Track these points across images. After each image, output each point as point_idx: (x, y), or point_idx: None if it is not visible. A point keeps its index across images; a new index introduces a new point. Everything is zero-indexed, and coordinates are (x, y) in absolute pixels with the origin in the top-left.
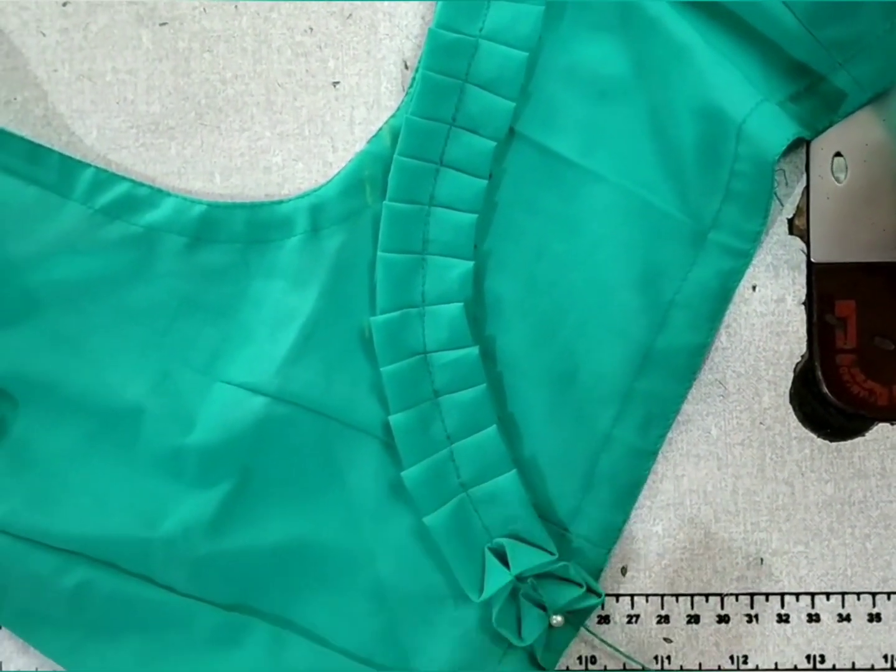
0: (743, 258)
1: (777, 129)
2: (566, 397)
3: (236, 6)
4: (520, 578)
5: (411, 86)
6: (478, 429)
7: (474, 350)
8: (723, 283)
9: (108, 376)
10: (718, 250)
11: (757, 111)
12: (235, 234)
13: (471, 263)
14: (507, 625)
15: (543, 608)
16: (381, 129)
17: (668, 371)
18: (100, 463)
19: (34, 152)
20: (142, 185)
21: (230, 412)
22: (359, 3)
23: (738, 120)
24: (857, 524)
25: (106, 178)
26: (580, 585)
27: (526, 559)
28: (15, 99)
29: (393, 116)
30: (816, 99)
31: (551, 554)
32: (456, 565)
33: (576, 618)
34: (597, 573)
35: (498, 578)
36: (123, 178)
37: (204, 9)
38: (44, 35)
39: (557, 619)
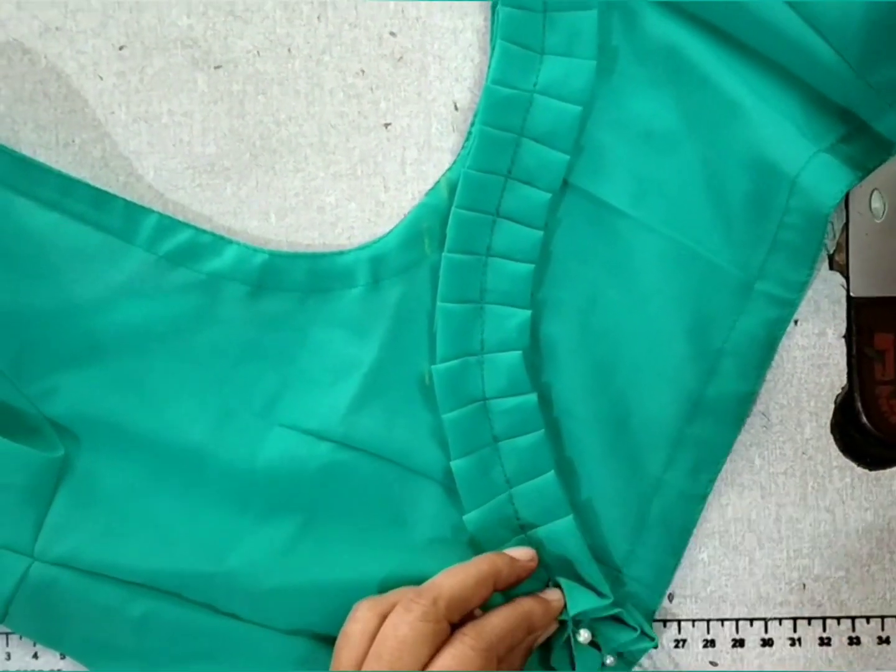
0: (789, 307)
1: (831, 182)
2: (619, 442)
3: (289, 49)
4: (576, 620)
5: (467, 139)
6: (536, 473)
7: (532, 397)
8: (769, 332)
9: (170, 416)
10: (765, 300)
11: (811, 164)
12: (296, 283)
13: (528, 312)
14: (562, 663)
15: (598, 647)
16: (438, 181)
17: (718, 418)
18: (163, 498)
19: (99, 198)
20: (204, 232)
21: (295, 455)
22: (409, 46)
23: (791, 174)
24: None
25: (169, 224)
26: (635, 629)
27: (583, 601)
28: (73, 141)
29: (450, 170)
30: (868, 138)
31: (606, 597)
32: None
33: (628, 658)
34: (650, 615)
35: None
36: (187, 225)
37: (258, 52)
38: (101, 79)
39: (610, 660)
